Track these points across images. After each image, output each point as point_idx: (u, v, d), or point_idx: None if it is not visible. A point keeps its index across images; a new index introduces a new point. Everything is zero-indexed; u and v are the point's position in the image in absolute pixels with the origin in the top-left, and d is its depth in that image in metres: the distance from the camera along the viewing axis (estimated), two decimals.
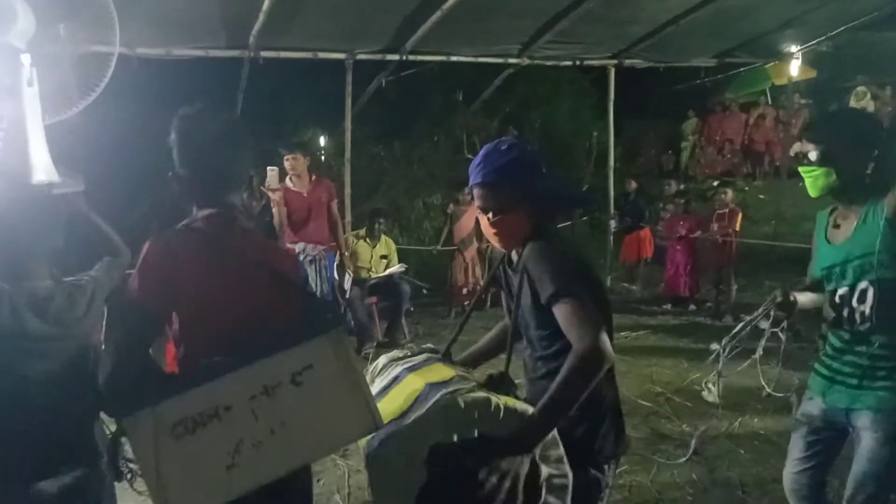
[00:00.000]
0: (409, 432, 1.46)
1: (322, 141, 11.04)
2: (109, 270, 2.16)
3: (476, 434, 1.47)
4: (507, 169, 1.73)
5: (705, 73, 9.86)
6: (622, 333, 6.75)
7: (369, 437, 1.55)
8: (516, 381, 1.76)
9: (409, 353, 1.94)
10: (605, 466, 1.78)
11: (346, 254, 6.10)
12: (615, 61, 8.51)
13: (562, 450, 1.56)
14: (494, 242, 1.84)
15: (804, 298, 2.20)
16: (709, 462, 3.66)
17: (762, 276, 8.33)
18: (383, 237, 6.94)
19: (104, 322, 1.95)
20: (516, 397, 1.63)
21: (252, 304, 1.66)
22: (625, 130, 12.05)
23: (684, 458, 3.66)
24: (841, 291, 2.12)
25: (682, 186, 9.84)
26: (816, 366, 2.26)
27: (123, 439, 1.81)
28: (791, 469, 2.33)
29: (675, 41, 7.84)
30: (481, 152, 1.80)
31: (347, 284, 6.03)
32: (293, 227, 5.53)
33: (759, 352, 2.27)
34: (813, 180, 2.13)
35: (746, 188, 12.03)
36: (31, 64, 2.56)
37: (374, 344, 6.30)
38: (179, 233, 1.70)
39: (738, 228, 7.39)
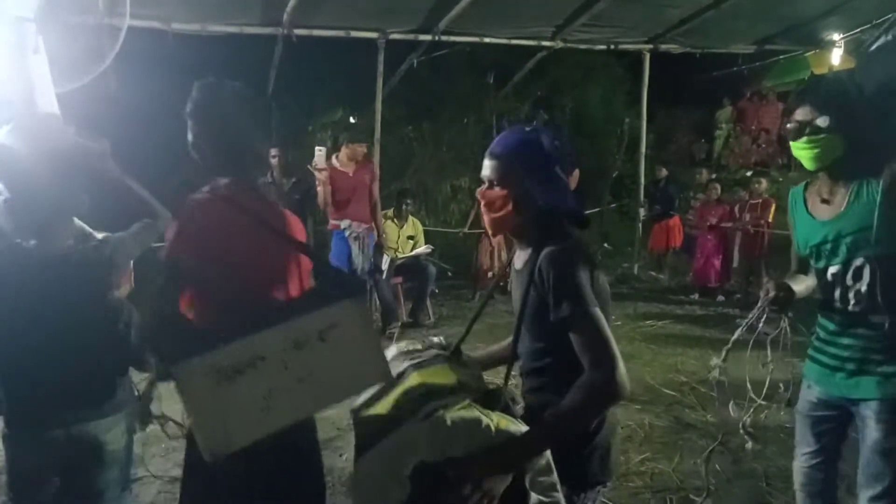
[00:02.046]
0: (395, 447, 1.48)
1: (352, 120, 11.04)
2: (141, 232, 2.23)
3: (463, 453, 1.43)
4: (519, 148, 1.69)
5: (743, 61, 9.63)
6: (648, 322, 6.70)
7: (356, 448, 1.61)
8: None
9: (420, 348, 1.91)
10: (585, 491, 1.67)
11: (384, 235, 6.21)
12: (650, 46, 8.37)
13: (555, 477, 1.50)
14: (485, 218, 1.77)
15: (800, 287, 2.11)
16: (733, 453, 3.63)
17: None
18: (410, 218, 6.96)
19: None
20: (513, 415, 1.56)
21: (274, 267, 1.81)
22: (657, 117, 11.85)
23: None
24: (833, 269, 2.02)
25: (713, 175, 9.67)
26: (811, 352, 2.16)
27: (154, 391, 2.07)
28: (802, 464, 2.23)
29: (713, 26, 7.67)
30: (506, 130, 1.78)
31: (385, 265, 6.13)
32: (337, 205, 5.72)
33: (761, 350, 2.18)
34: (819, 151, 1.96)
35: (781, 179, 11.78)
36: (37, 32, 2.57)
37: (399, 324, 6.34)
38: (210, 197, 1.78)
39: (770, 219, 7.26)
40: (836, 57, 9.02)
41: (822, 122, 1.94)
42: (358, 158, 5.79)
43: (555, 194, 1.67)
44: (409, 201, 7.00)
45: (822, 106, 1.95)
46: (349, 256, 5.75)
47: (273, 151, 6.13)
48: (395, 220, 6.81)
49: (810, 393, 2.17)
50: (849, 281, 1.98)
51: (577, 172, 8.61)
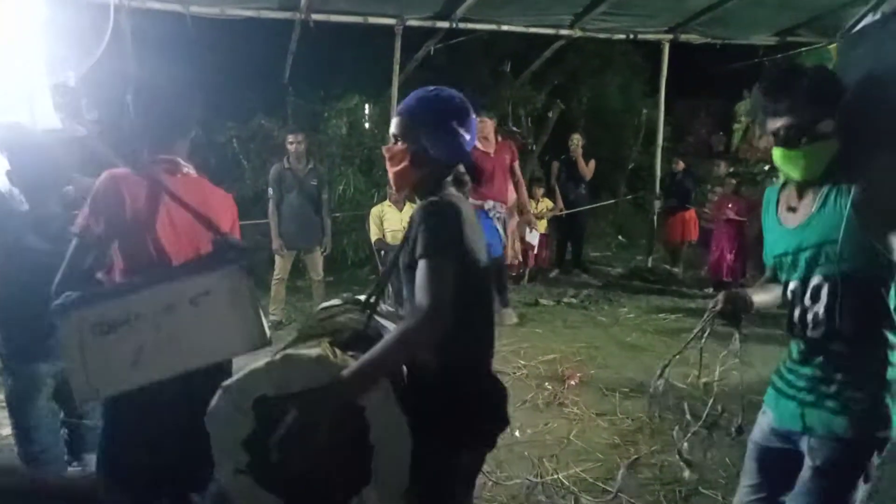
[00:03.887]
0: (239, 385, 1.58)
1: (367, 107, 11.05)
2: None
3: (301, 387, 1.52)
4: (417, 105, 1.78)
5: (764, 52, 9.49)
6: (661, 315, 6.68)
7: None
8: None
9: (340, 303, 2.06)
10: (464, 450, 1.72)
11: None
12: (670, 36, 8.26)
13: (397, 411, 1.56)
14: (389, 174, 1.84)
15: (765, 296, 1.90)
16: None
17: None
18: (408, 203, 6.95)
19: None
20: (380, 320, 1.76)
21: (174, 237, 2.02)
22: (675, 108, 11.75)
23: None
24: (791, 286, 1.79)
25: (731, 169, 9.56)
26: (773, 376, 1.94)
27: None
28: (742, 498, 2.00)
29: (735, 16, 7.55)
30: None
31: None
32: (477, 185, 5.71)
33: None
34: (815, 161, 1.67)
35: None
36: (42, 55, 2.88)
37: None
38: (126, 173, 2.05)
39: None
40: None
41: (825, 126, 1.64)
42: (486, 134, 5.77)
43: (449, 149, 1.76)
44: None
45: (824, 106, 1.64)
46: (498, 233, 5.84)
47: (290, 137, 6.14)
48: (394, 204, 6.80)
49: (764, 419, 1.94)
50: (807, 301, 1.74)
51: (592, 163, 8.62)
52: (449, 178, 1.79)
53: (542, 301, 7.17)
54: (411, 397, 1.62)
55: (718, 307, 1.83)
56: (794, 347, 1.85)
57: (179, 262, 1.99)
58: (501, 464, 3.44)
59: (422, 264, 1.54)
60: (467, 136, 1.79)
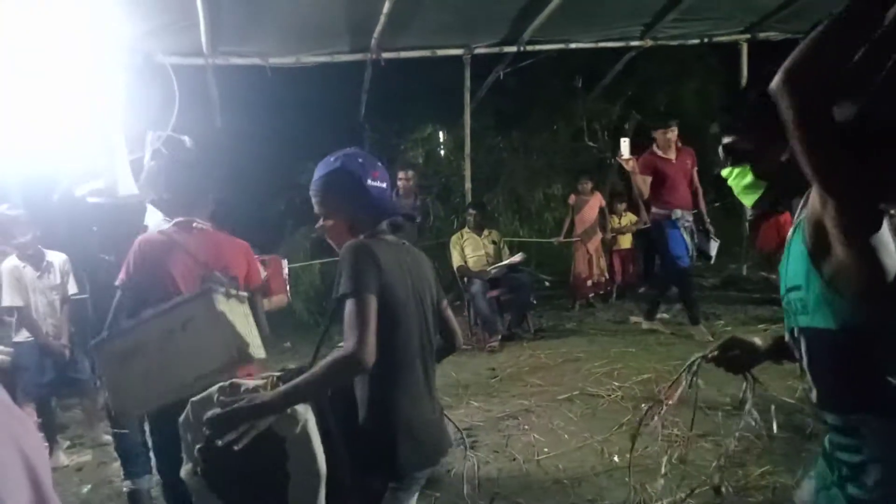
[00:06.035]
0: (200, 402, 1.82)
1: (442, 135, 11.22)
2: None
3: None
4: (328, 178, 1.87)
5: None
6: (761, 325, 6.34)
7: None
8: None
9: None
10: (370, 478, 1.79)
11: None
12: (747, 36, 7.98)
13: (312, 446, 1.68)
14: (332, 244, 1.95)
15: None
16: None
17: None
18: (485, 228, 6.95)
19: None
20: None
21: (189, 285, 2.50)
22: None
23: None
24: (786, 335, 1.43)
25: None
26: None
27: None
28: None
29: (816, 7, 7.20)
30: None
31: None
32: (659, 193, 5.82)
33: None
34: (735, 185, 1.48)
35: None
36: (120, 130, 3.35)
37: (500, 337, 6.33)
38: (157, 235, 2.61)
39: None
40: None
41: (721, 151, 1.43)
42: (670, 144, 5.87)
43: (374, 208, 1.86)
44: (472, 212, 6.96)
45: (726, 124, 1.44)
46: (686, 244, 5.79)
47: (400, 174, 6.40)
48: (472, 230, 6.83)
49: (808, 482, 1.50)
50: (797, 355, 1.36)
51: None
52: (384, 227, 1.89)
53: (633, 318, 6.97)
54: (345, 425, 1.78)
55: (709, 354, 1.60)
56: None
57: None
58: (602, 491, 3.36)
59: (346, 306, 1.65)
60: (384, 185, 1.89)
